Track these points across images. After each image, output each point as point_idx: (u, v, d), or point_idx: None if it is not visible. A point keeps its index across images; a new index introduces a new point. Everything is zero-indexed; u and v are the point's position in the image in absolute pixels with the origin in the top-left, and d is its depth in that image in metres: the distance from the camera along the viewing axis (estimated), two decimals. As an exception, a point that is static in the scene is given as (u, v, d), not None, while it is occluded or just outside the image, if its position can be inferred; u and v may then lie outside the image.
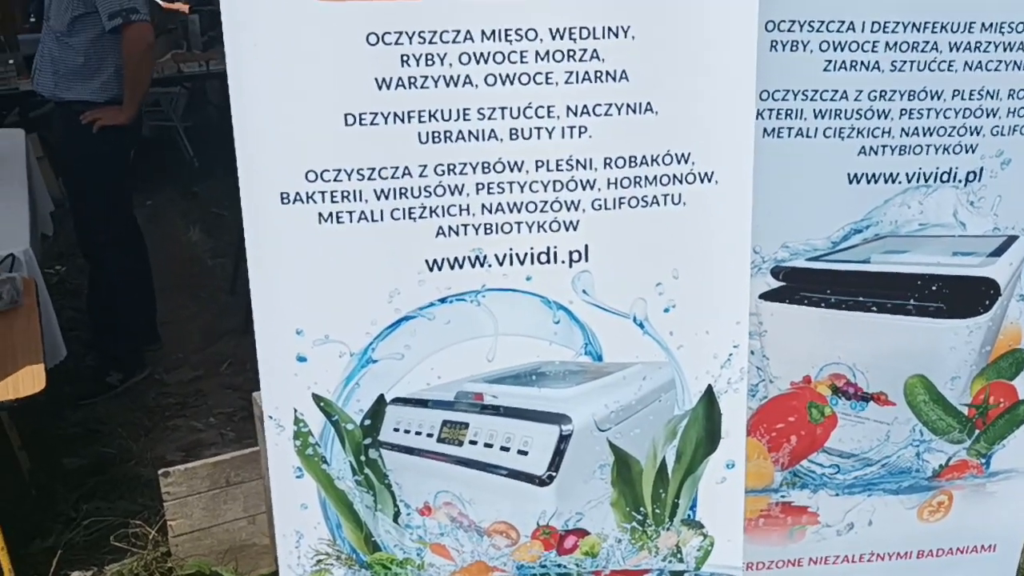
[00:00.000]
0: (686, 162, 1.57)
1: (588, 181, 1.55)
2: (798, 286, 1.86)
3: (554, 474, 1.65)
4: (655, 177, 1.57)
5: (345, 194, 1.50)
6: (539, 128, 1.52)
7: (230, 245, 4.65)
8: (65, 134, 3.61)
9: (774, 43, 1.69)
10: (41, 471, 3.08)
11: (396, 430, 1.64)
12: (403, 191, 1.52)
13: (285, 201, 1.49)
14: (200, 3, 7.69)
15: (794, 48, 1.70)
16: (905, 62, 1.72)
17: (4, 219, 3.20)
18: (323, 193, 1.49)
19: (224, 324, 4.27)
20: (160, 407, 3.62)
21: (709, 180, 1.59)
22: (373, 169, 1.50)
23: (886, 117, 1.75)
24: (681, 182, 1.58)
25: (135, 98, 3.49)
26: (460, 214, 1.54)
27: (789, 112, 1.74)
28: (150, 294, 3.92)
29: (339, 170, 1.49)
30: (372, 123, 1.47)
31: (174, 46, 6.64)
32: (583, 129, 1.53)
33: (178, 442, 3.37)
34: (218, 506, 2.58)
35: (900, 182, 1.81)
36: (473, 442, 1.65)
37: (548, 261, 1.59)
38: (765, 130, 1.73)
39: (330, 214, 1.50)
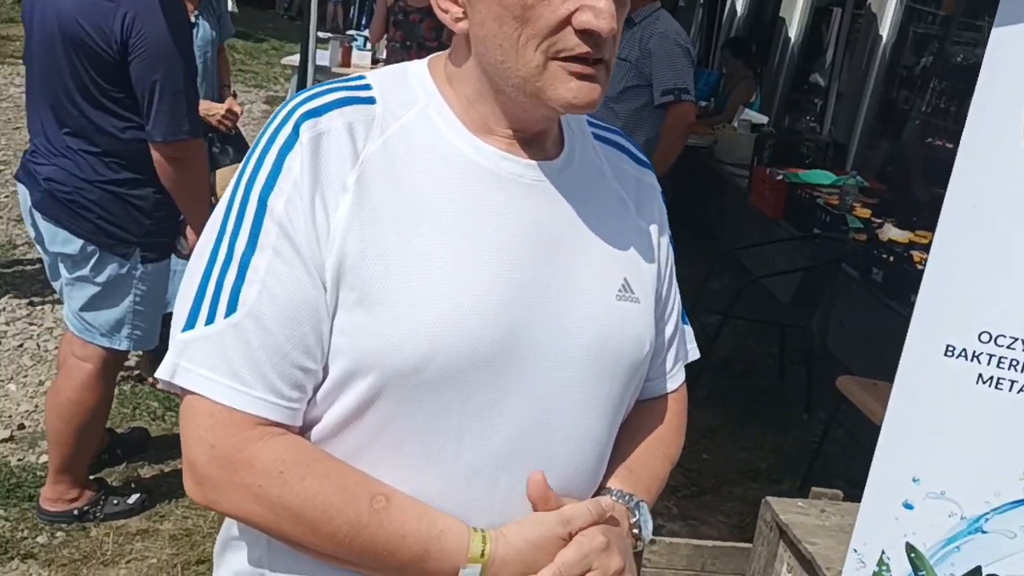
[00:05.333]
0: None
1: None
2: None
3: None
4: None
5: (1014, 363, 1.48)
6: None
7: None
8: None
9: None
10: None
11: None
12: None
13: (949, 354, 1.50)
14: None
15: None
16: None
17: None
18: (992, 356, 1.48)
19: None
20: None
21: None
22: (1050, 347, 1.46)
23: None
24: None
25: (659, 171, 3.79)
26: None
27: None
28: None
29: (1016, 339, 1.47)
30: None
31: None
32: None
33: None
34: (687, 588, 2.67)
35: None
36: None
37: None
38: None
39: (990, 378, 1.49)
